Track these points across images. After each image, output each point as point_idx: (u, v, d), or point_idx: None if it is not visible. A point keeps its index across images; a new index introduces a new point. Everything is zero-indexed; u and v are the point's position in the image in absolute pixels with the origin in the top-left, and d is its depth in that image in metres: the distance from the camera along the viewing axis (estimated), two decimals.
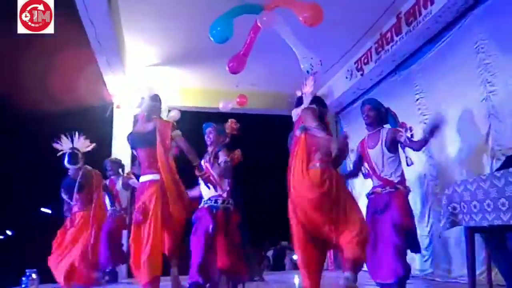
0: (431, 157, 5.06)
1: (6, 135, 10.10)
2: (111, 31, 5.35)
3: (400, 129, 3.82)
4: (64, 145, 4.83)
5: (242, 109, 7.53)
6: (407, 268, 3.50)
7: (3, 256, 11.18)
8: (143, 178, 3.66)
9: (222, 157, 4.20)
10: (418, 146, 3.76)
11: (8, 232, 15.44)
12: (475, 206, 2.49)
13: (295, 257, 10.30)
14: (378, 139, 3.77)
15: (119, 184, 5.76)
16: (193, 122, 6.95)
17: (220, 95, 7.41)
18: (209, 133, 4.42)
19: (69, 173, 4.87)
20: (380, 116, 3.87)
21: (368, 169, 3.89)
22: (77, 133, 4.87)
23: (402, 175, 3.77)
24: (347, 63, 6.70)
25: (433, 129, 3.65)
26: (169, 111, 7.27)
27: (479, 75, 4.35)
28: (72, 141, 4.86)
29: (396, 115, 3.95)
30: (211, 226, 4.03)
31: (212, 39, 4.65)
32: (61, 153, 4.82)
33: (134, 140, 3.76)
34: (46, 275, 5.71)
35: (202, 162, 4.46)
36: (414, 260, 5.23)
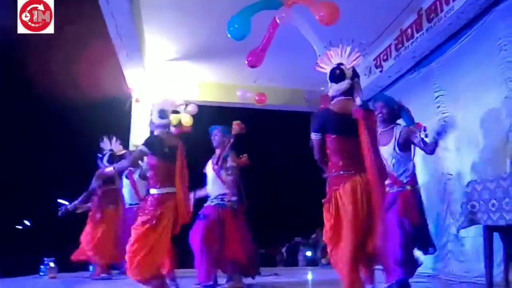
0: (449, 155, 5.00)
1: (28, 124, 10.28)
2: (132, 25, 5.40)
3: (415, 129, 3.74)
4: (105, 145, 5.41)
5: (260, 106, 7.55)
6: (408, 271, 3.48)
7: (22, 245, 11.41)
8: (166, 190, 3.63)
9: (229, 163, 4.34)
10: (430, 149, 3.71)
11: (26, 222, 15.73)
12: (493, 205, 2.47)
13: (308, 253, 10.31)
14: (391, 137, 3.74)
15: (136, 175, 5.84)
16: (210, 116, 7.00)
17: (237, 90, 7.43)
18: (215, 135, 4.61)
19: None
20: (393, 113, 3.85)
21: None
22: (114, 137, 5.45)
23: (413, 175, 3.74)
24: (365, 60, 6.64)
25: (441, 131, 3.62)
26: (186, 105, 7.33)
27: (501, 73, 4.27)
28: (110, 143, 5.44)
29: (409, 110, 3.90)
30: (216, 225, 4.27)
31: (229, 35, 4.68)
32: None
33: (160, 150, 3.69)
34: (64, 264, 5.85)
35: (210, 163, 4.59)
36: (430, 259, 5.20)
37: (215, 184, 4.52)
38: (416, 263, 3.65)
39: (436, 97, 5.31)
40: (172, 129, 3.93)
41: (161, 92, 6.86)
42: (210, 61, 6.99)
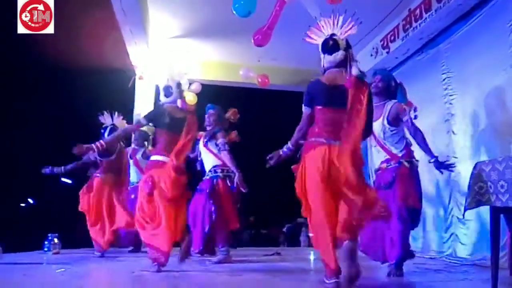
0: (456, 138, 4.96)
1: (30, 102, 10.24)
2: (135, 1, 5.32)
3: (406, 107, 3.69)
4: (106, 119, 5.27)
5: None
6: (406, 248, 3.52)
7: (26, 222, 11.49)
8: (156, 157, 3.78)
9: (220, 139, 4.45)
10: (419, 139, 3.64)
11: (30, 201, 15.83)
12: (502, 186, 2.44)
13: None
14: (381, 112, 3.70)
15: (139, 154, 5.87)
16: (213, 95, 6.95)
17: (241, 69, 7.36)
18: (210, 115, 4.71)
19: None
20: (389, 89, 3.80)
21: (373, 140, 3.84)
22: (116, 112, 5.32)
23: (407, 148, 3.71)
24: (372, 40, 6.55)
25: (440, 167, 3.63)
26: (190, 84, 7.28)
27: (510, 55, 4.18)
28: (112, 118, 5.31)
29: (405, 90, 3.85)
30: (210, 196, 4.46)
31: (235, 12, 4.61)
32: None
33: (163, 120, 3.80)
34: (68, 240, 5.89)
35: (201, 141, 4.71)
36: (434, 241, 5.21)
37: (207, 159, 4.73)
38: (411, 253, 3.66)
39: (444, 79, 5.24)
40: (179, 102, 3.90)
41: (164, 70, 6.83)
42: (214, 39, 6.90)
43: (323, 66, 2.96)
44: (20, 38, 4.51)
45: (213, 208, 4.43)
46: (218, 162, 4.64)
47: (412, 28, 5.53)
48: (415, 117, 3.66)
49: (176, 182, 3.65)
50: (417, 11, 5.38)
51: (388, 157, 3.73)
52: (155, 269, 3.55)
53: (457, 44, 5.08)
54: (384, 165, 3.74)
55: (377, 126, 3.69)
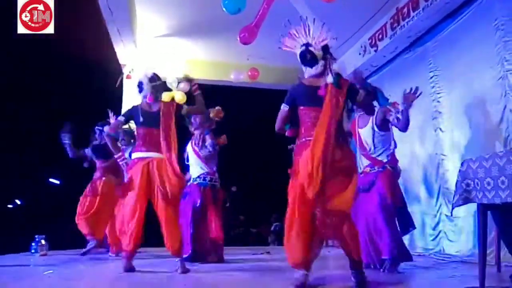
0: (443, 135, 5.00)
1: (16, 103, 10.11)
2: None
3: (391, 108, 3.72)
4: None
5: (251, 84, 7.47)
6: (399, 243, 3.59)
7: (13, 223, 11.36)
8: (135, 155, 3.77)
9: (209, 140, 4.49)
10: (403, 125, 3.68)
11: (17, 202, 15.66)
12: (488, 183, 2.45)
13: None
14: (369, 118, 3.76)
15: (127, 153, 5.81)
16: (202, 94, 6.90)
17: (229, 68, 7.36)
18: (196, 117, 4.65)
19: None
20: (368, 96, 3.80)
21: (358, 148, 3.90)
22: (111, 112, 5.19)
23: (393, 155, 3.80)
24: (360, 39, 6.57)
25: (405, 101, 3.64)
26: (178, 82, 7.23)
27: (497, 53, 4.23)
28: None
29: (382, 91, 3.89)
30: (198, 201, 4.51)
31: (224, 9, 4.58)
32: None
33: (137, 118, 3.81)
34: (55, 242, 5.82)
35: (190, 144, 4.68)
36: (422, 238, 5.24)
37: (196, 165, 4.73)
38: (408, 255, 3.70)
39: (431, 77, 5.27)
40: (148, 96, 3.87)
41: (152, 68, 6.76)
42: (201, 38, 6.87)
43: (305, 77, 3.04)
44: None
45: (198, 216, 4.50)
46: (207, 170, 4.66)
47: (400, 27, 5.56)
48: (401, 115, 3.68)
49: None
50: (405, 10, 5.40)
51: (370, 162, 3.82)
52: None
53: (445, 42, 5.11)
54: (368, 169, 3.81)
55: (365, 132, 3.77)
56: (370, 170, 3.77)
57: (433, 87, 5.22)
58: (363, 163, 3.90)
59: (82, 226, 5.21)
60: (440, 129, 5.05)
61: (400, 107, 3.63)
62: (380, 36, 6.05)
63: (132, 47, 6.52)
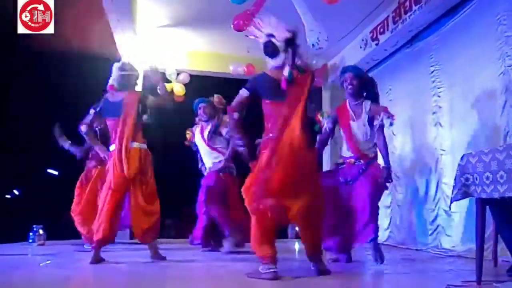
0: (443, 130, 4.99)
1: (14, 92, 10.06)
2: None
3: (383, 113, 3.65)
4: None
5: (250, 76, 7.44)
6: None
7: (11, 213, 11.36)
8: (111, 147, 3.78)
9: (225, 129, 4.52)
10: (381, 143, 3.68)
11: (15, 192, 15.66)
12: (487, 178, 2.44)
13: (297, 227, 10.36)
14: (361, 112, 3.72)
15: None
16: (201, 86, 6.90)
17: (230, 60, 7.32)
18: (205, 108, 4.66)
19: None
20: (363, 85, 3.79)
21: (346, 139, 3.82)
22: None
23: (376, 152, 3.78)
24: (362, 32, 6.54)
25: (387, 176, 3.63)
26: (178, 74, 7.21)
27: (498, 48, 4.21)
28: None
29: (376, 84, 3.86)
30: (210, 185, 4.63)
31: None
32: None
33: (104, 109, 3.82)
34: (53, 231, 5.82)
35: (199, 136, 4.70)
36: (419, 233, 5.25)
37: (208, 154, 4.80)
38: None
39: (432, 72, 5.25)
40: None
41: (152, 59, 6.73)
42: (202, 29, 6.82)
43: (268, 68, 3.06)
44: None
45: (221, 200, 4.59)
46: (221, 157, 4.72)
47: (401, 20, 5.52)
48: (391, 124, 3.64)
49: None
50: (407, 3, 5.37)
51: (355, 154, 3.73)
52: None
53: (446, 36, 5.09)
54: (352, 160, 3.73)
55: (357, 126, 3.73)
56: (355, 162, 3.71)
57: (433, 81, 5.20)
58: (344, 153, 3.86)
59: (79, 224, 5.10)
60: (440, 123, 5.04)
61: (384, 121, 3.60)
62: (382, 30, 6.02)
63: (131, 36, 6.46)
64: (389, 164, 3.68)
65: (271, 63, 3.01)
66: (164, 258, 3.79)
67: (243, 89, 3.03)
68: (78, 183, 5.27)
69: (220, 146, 4.77)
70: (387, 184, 3.73)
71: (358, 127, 3.73)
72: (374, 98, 3.80)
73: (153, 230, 3.77)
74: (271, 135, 2.91)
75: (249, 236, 2.98)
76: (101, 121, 4.30)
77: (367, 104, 3.74)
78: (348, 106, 3.84)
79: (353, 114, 3.78)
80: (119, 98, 3.77)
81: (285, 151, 2.81)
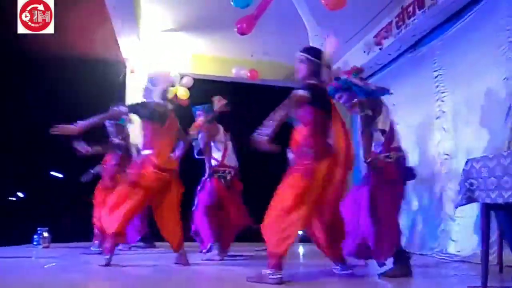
0: (446, 135, 4.99)
1: (17, 93, 10.09)
2: None
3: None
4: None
5: (255, 80, 7.47)
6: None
7: (15, 216, 11.38)
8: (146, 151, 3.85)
9: (218, 136, 4.69)
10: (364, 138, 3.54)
11: (20, 194, 15.66)
12: (492, 183, 2.44)
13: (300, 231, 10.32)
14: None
15: None
16: (205, 90, 6.90)
17: (233, 64, 7.35)
18: (199, 116, 4.66)
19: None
20: (350, 93, 3.71)
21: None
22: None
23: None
24: (365, 37, 6.55)
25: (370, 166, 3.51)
26: (181, 77, 7.23)
27: (502, 54, 4.21)
28: None
29: (355, 82, 3.74)
30: (216, 192, 4.56)
31: (232, 3, 4.57)
32: None
33: (153, 113, 3.85)
34: (57, 234, 5.83)
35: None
36: (425, 238, 5.24)
37: (207, 160, 4.73)
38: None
39: (435, 77, 5.26)
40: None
41: (156, 63, 6.76)
42: (206, 33, 6.86)
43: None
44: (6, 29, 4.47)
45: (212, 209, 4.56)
46: (214, 163, 4.69)
47: (405, 25, 5.54)
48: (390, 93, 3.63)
49: None
50: (410, 8, 5.38)
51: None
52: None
53: (449, 41, 5.10)
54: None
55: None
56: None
57: (437, 86, 5.21)
58: None
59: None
60: (444, 128, 5.04)
61: None
62: (385, 35, 6.03)
63: (135, 40, 6.50)
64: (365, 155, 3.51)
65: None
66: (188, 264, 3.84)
67: (305, 91, 3.02)
68: (98, 188, 5.29)
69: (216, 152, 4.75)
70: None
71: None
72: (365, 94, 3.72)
73: (182, 237, 3.91)
74: (323, 146, 3.01)
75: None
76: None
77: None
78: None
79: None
80: (162, 108, 3.87)
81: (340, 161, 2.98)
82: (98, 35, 6.19)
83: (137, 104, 3.92)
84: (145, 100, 3.91)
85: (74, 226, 5.25)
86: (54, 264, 3.73)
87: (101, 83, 7.16)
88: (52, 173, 13.45)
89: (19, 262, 3.97)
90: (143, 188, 3.67)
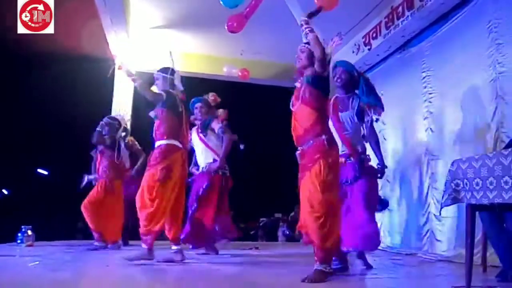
0: (434, 136, 5.03)
1: (3, 91, 9.97)
2: None
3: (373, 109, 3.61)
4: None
5: (244, 79, 7.45)
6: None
7: (0, 214, 11.24)
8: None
9: (217, 125, 4.41)
10: (373, 142, 3.76)
11: (4, 191, 15.49)
12: (477, 184, 2.46)
13: (287, 232, 10.36)
14: (349, 105, 3.65)
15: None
16: (194, 88, 6.86)
17: (223, 63, 7.32)
18: (201, 108, 4.62)
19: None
20: (352, 80, 3.72)
21: (336, 132, 3.61)
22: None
23: (365, 147, 3.69)
24: (354, 37, 6.57)
25: (381, 174, 3.73)
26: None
27: (489, 55, 4.25)
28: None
29: (369, 80, 3.76)
30: (205, 184, 4.48)
31: (221, 2, 4.55)
32: None
33: (174, 105, 3.95)
34: (42, 232, 5.76)
35: (195, 134, 4.65)
36: (410, 237, 5.28)
37: (203, 153, 4.68)
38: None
39: (424, 77, 5.29)
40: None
41: (145, 60, 6.71)
42: (196, 31, 6.83)
43: None
44: None
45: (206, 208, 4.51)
46: (215, 157, 4.60)
47: (394, 26, 5.57)
48: (377, 120, 3.64)
49: None
50: (399, 9, 5.41)
51: (345, 151, 3.62)
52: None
53: (438, 43, 5.13)
54: (343, 159, 3.56)
55: (345, 116, 3.63)
56: (346, 161, 3.59)
57: (425, 87, 5.24)
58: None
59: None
60: (431, 129, 5.07)
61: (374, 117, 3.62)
62: (374, 35, 6.06)
63: (124, 37, 6.45)
64: (383, 163, 3.72)
65: None
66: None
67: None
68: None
69: (215, 144, 4.67)
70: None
71: (346, 117, 3.63)
72: (367, 93, 3.72)
73: None
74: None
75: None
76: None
77: (357, 101, 3.64)
78: (337, 99, 3.75)
79: (340, 105, 3.69)
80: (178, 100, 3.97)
81: None
82: (86, 31, 6.13)
83: (164, 92, 3.94)
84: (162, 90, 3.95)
85: (58, 224, 5.18)
86: (38, 262, 3.67)
87: (89, 80, 7.10)
88: (38, 170, 13.34)
89: (3, 261, 3.91)
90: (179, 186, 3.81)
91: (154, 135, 3.91)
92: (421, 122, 5.26)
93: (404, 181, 5.57)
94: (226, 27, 4.79)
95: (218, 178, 4.58)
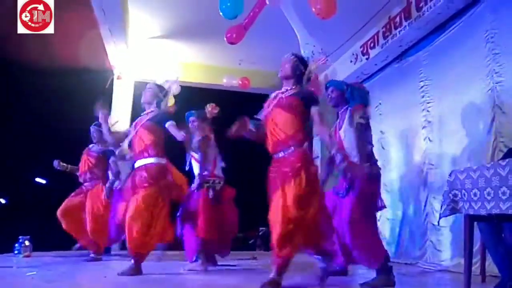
0: (432, 145, 5.03)
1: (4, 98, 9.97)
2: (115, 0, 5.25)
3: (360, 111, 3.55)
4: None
5: (242, 89, 7.48)
6: None
7: None
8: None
9: (195, 138, 4.49)
10: (354, 142, 3.53)
11: (2, 201, 15.42)
12: (475, 194, 2.47)
13: None
14: (344, 118, 3.65)
15: None
16: (193, 98, 6.89)
17: (222, 72, 7.36)
18: (193, 122, 4.57)
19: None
20: (343, 95, 3.73)
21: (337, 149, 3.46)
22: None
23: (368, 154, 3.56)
24: (352, 47, 6.61)
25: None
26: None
27: (486, 65, 4.27)
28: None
29: (361, 88, 3.76)
30: (189, 201, 4.45)
31: (221, 14, 4.58)
32: None
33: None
34: (39, 243, 5.73)
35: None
36: (409, 247, 5.26)
37: (195, 167, 4.60)
38: None
39: (421, 87, 5.31)
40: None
41: (144, 70, 6.72)
42: (194, 41, 6.86)
43: None
44: None
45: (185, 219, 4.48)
46: (204, 172, 4.48)
47: (391, 36, 5.60)
48: (363, 120, 3.60)
49: None
50: (397, 19, 5.44)
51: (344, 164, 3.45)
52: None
53: (436, 52, 5.16)
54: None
55: (342, 133, 3.61)
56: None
57: (423, 96, 5.26)
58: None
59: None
60: (429, 138, 5.08)
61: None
62: (372, 45, 6.10)
63: (123, 47, 6.47)
64: (364, 161, 3.44)
65: None
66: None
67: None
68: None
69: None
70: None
71: (342, 133, 3.61)
72: (353, 96, 3.66)
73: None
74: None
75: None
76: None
77: (349, 110, 3.62)
78: (338, 116, 3.80)
79: (341, 120, 3.70)
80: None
81: None
82: (85, 41, 6.16)
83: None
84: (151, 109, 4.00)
85: (56, 235, 5.14)
86: (34, 273, 3.65)
87: (88, 90, 7.11)
88: (36, 179, 13.28)
89: (0, 272, 3.88)
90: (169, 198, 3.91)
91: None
92: (419, 132, 5.27)
93: (402, 191, 5.56)
94: (225, 38, 4.81)
95: (202, 192, 4.44)
